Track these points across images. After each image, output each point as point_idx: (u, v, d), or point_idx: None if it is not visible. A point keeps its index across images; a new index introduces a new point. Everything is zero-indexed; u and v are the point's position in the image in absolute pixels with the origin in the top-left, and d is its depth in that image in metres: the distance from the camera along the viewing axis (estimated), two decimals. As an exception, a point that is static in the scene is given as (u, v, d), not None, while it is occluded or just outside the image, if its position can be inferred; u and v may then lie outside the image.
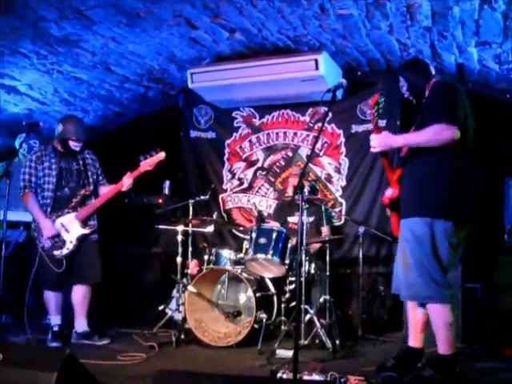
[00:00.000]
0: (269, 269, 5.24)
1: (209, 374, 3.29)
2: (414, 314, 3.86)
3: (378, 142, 3.77)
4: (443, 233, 3.54)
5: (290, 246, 5.13)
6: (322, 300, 5.14)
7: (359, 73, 6.32)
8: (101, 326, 5.38)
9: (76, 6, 4.68)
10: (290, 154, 6.71)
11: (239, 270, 5.27)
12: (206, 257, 5.60)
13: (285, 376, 3.57)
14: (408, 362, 3.82)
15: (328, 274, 5.21)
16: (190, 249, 5.68)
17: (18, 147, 5.94)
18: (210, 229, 5.92)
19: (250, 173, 6.89)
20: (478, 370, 4.06)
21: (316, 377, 3.52)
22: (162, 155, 5.11)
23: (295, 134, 6.69)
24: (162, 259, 6.52)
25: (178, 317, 5.26)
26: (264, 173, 6.82)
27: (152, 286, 6.45)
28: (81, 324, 5.17)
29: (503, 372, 4.10)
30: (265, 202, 6.78)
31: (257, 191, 6.83)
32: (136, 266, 6.57)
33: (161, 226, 6.04)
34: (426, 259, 3.54)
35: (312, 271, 5.22)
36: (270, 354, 4.53)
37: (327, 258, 5.25)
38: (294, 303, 5.15)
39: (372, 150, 3.84)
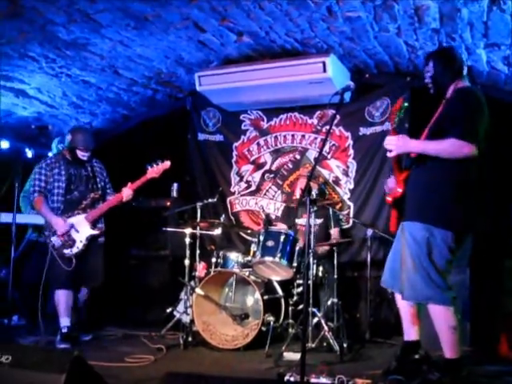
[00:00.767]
0: (276, 271, 5.24)
1: (216, 376, 3.29)
2: (403, 308, 3.86)
3: (396, 144, 3.71)
4: (442, 240, 3.53)
5: (297, 248, 5.13)
6: (329, 303, 5.13)
7: (367, 75, 6.30)
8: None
9: (84, 9, 4.70)
10: (298, 156, 6.70)
11: (247, 273, 5.27)
12: (213, 259, 5.61)
13: (292, 379, 3.56)
14: (407, 358, 3.81)
15: (336, 276, 5.20)
16: (198, 251, 5.68)
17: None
18: (218, 231, 5.93)
19: (257, 176, 6.89)
20: (486, 374, 4.03)
21: (323, 380, 3.51)
22: (167, 164, 5.28)
23: (303, 136, 6.69)
24: (170, 262, 6.54)
25: (186, 319, 5.27)
26: (272, 175, 6.82)
27: (160, 288, 6.47)
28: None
29: (511, 376, 4.08)
30: (272, 204, 6.78)
31: (264, 194, 6.83)
32: (144, 268, 6.60)
33: (169, 229, 6.07)
34: (425, 261, 3.53)
35: (320, 274, 5.22)
36: (277, 357, 4.52)
37: (335, 261, 5.25)
38: (301, 306, 5.15)
39: (388, 154, 3.80)
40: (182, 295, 5.71)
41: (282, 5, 4.74)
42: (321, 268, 5.24)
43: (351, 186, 6.41)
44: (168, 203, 6.64)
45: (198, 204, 5.75)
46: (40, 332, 5.10)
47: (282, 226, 5.98)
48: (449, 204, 3.54)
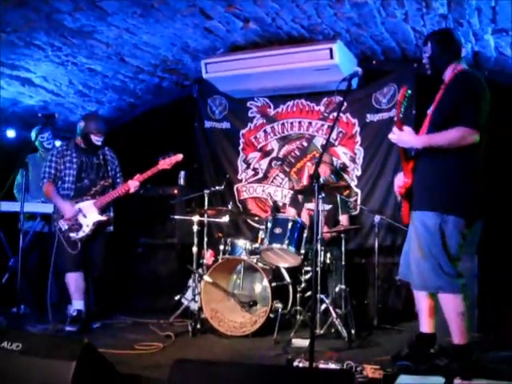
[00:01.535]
0: (284, 258, 5.25)
1: (226, 362, 3.31)
2: (420, 300, 3.86)
3: (401, 140, 3.70)
4: (454, 227, 3.54)
5: (305, 235, 5.13)
6: (337, 290, 5.14)
7: (374, 62, 6.27)
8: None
9: (90, -3, 4.70)
10: (305, 143, 6.69)
11: (255, 260, 5.28)
12: (221, 247, 5.61)
13: (301, 365, 3.58)
14: (421, 349, 3.81)
15: (344, 263, 5.20)
16: (206, 239, 5.68)
17: (34, 139, 6.00)
18: (226, 219, 5.93)
19: (264, 163, 6.88)
20: (494, 360, 4.03)
21: (332, 366, 3.53)
22: (179, 157, 5.35)
23: (310, 123, 6.67)
24: (178, 249, 6.55)
25: (194, 307, 5.29)
26: (279, 163, 6.81)
27: (168, 276, 6.50)
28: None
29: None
30: (280, 191, 6.78)
31: (272, 181, 6.83)
32: (152, 256, 6.61)
33: (176, 217, 6.09)
34: (436, 250, 3.54)
35: (328, 261, 5.22)
36: (285, 344, 4.54)
37: (343, 248, 5.25)
38: (309, 293, 5.16)
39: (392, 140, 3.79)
40: (190, 283, 5.73)
41: (288, -9, 4.72)
42: (329, 255, 5.23)
43: (359, 173, 6.39)
44: (175, 191, 6.65)
45: (206, 192, 5.75)
46: (48, 320, 5.17)
47: (290, 213, 5.98)
48: (459, 191, 3.54)
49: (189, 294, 5.63)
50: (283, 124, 6.80)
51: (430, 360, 3.72)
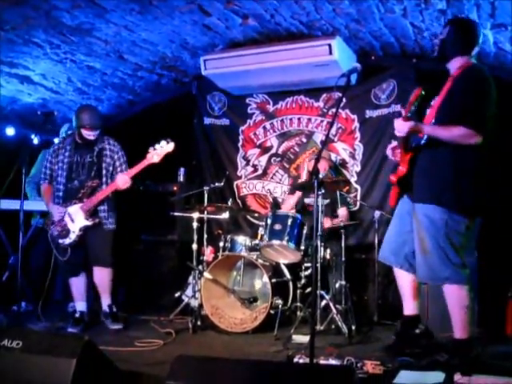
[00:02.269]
0: (284, 255, 5.25)
1: (226, 359, 3.31)
2: (403, 282, 3.88)
3: (403, 130, 3.68)
4: (459, 220, 3.56)
5: (305, 231, 5.13)
6: (337, 285, 5.15)
7: (373, 57, 6.26)
8: (116, 312, 5.40)
9: (88, -6, 4.69)
10: (305, 139, 6.69)
11: (254, 257, 5.28)
12: (221, 243, 5.61)
13: (301, 361, 3.59)
14: (407, 331, 3.84)
15: (344, 259, 5.21)
16: (206, 236, 5.70)
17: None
18: (225, 215, 5.94)
19: (264, 159, 6.88)
20: (495, 355, 4.03)
21: (332, 362, 3.54)
22: (170, 147, 5.04)
23: (309, 119, 6.67)
24: (178, 246, 6.55)
25: (195, 303, 5.29)
26: (278, 159, 6.82)
27: (168, 273, 6.50)
28: (103, 303, 5.30)
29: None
30: (279, 188, 6.78)
31: (271, 177, 6.83)
32: (152, 253, 6.61)
33: (176, 214, 6.08)
34: (442, 240, 3.56)
35: (328, 257, 5.22)
36: (286, 340, 4.54)
37: (343, 244, 5.25)
38: (309, 289, 5.17)
39: (397, 133, 3.77)
40: (191, 279, 5.73)
41: (287, -13, 4.71)
42: (329, 250, 5.24)
43: (358, 169, 6.40)
44: (175, 188, 6.65)
45: (205, 188, 5.76)
46: (48, 318, 5.17)
47: (289, 201, 5.98)
48: (465, 188, 3.55)
49: (189, 291, 5.64)
50: (282, 120, 6.80)
51: (431, 355, 3.73)
